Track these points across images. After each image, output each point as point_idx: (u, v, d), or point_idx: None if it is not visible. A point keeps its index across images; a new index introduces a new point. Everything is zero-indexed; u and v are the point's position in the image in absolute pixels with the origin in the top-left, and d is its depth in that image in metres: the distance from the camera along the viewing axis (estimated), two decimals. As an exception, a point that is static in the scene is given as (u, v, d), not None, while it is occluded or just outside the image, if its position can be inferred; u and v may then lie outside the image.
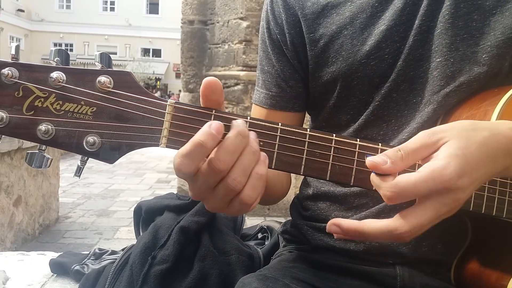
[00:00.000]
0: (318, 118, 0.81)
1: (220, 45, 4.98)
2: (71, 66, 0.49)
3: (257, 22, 4.60)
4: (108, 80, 0.48)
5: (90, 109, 0.48)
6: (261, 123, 0.53)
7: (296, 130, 0.53)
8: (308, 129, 0.54)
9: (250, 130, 0.52)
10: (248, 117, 0.53)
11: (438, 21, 0.68)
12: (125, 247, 0.93)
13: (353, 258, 0.73)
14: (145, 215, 1.02)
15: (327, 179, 0.54)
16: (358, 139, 0.54)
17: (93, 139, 0.48)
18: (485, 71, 0.66)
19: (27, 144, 3.27)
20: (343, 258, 0.74)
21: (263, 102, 0.82)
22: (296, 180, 2.71)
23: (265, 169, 0.51)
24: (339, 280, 0.73)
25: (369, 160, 0.49)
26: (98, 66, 0.50)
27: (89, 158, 0.50)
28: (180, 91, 5.97)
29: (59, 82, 0.47)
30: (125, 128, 0.49)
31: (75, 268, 1.09)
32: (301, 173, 0.53)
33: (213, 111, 0.51)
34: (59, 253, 1.26)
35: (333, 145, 0.53)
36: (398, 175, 0.49)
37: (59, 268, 1.16)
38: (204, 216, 0.88)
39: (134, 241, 0.93)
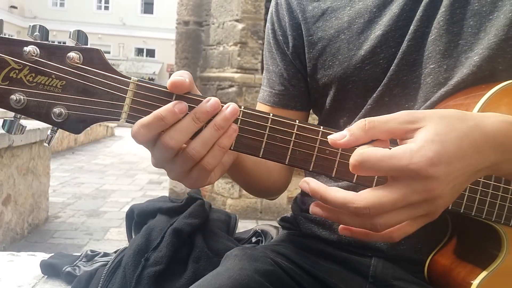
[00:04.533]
0: (320, 118, 0.84)
1: (215, 46, 4.98)
2: (45, 42, 0.52)
3: (252, 25, 4.60)
4: (78, 56, 0.51)
5: (60, 83, 0.52)
6: (223, 104, 0.54)
7: (259, 114, 0.54)
8: (271, 114, 0.54)
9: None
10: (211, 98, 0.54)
11: (433, 27, 0.68)
12: (118, 250, 0.92)
13: (336, 246, 0.76)
14: (137, 218, 1.01)
15: (286, 163, 0.55)
16: (321, 126, 0.54)
17: (60, 110, 0.52)
18: (473, 72, 0.65)
19: (17, 139, 3.24)
20: (326, 245, 0.77)
21: (267, 100, 0.85)
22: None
23: (229, 142, 0.53)
24: (318, 262, 0.76)
25: (329, 137, 0.49)
26: (72, 42, 0.53)
27: (59, 129, 0.54)
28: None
29: (32, 55, 0.50)
30: (90, 102, 0.52)
31: (67, 269, 1.08)
32: (260, 156, 0.54)
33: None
34: (50, 254, 1.24)
35: (295, 131, 0.54)
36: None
37: (50, 270, 1.14)
38: (197, 218, 0.88)
39: (125, 243, 0.92)
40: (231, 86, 4.68)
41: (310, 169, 0.55)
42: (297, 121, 0.54)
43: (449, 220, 0.66)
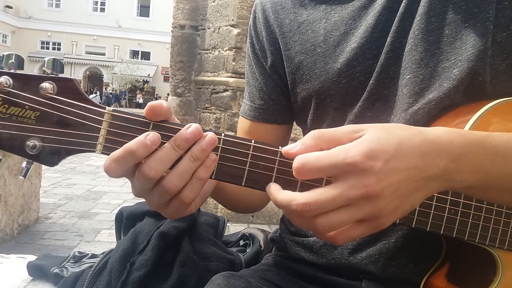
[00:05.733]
0: (304, 132, 0.83)
1: (210, 51, 4.99)
2: (20, 71, 0.51)
3: (248, 30, 4.62)
4: (51, 86, 0.50)
5: (33, 114, 0.50)
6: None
7: (240, 141, 0.53)
8: (253, 141, 0.53)
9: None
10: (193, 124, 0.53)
11: (409, 37, 0.66)
12: (105, 251, 0.92)
13: (326, 270, 0.75)
14: (126, 221, 1.01)
15: None
16: None
17: (34, 143, 0.50)
18: (455, 86, 0.63)
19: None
20: (316, 270, 0.76)
21: (247, 114, 0.84)
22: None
23: (208, 174, 0.52)
24: (308, 287, 0.74)
25: (283, 149, 0.50)
26: (48, 72, 0.52)
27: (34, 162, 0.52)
28: (168, 94, 5.94)
29: (5, 86, 0.49)
30: (64, 134, 0.51)
31: (54, 271, 1.08)
32: (243, 184, 0.53)
33: (152, 121, 0.52)
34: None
35: (278, 157, 0.53)
36: None
37: (37, 271, 1.14)
38: (184, 221, 0.89)
39: (115, 245, 0.92)
40: (225, 90, 4.69)
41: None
42: (280, 147, 0.52)
43: (443, 241, 0.65)
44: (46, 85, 0.50)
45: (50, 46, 30.92)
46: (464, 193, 0.57)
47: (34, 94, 0.50)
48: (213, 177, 0.53)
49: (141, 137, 0.50)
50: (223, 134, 0.53)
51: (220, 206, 4.49)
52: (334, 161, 0.46)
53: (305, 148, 0.48)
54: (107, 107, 0.52)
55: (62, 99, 0.51)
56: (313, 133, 0.49)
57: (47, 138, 0.51)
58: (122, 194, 5.68)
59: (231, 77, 4.65)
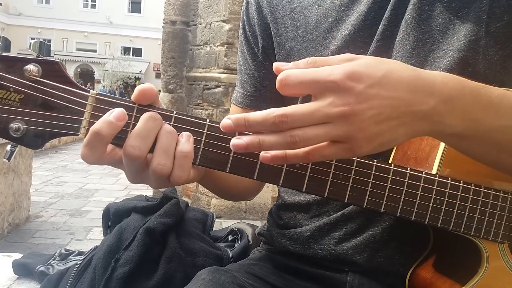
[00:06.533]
0: None
1: (202, 46, 4.96)
2: (6, 53, 0.51)
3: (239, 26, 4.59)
4: (36, 68, 0.50)
5: (18, 96, 0.50)
6: (188, 118, 0.53)
7: None
8: None
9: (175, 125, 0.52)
10: (174, 112, 0.53)
11: (401, 26, 0.65)
12: (91, 248, 0.91)
13: (311, 263, 0.74)
14: (113, 217, 1.00)
15: (255, 178, 0.54)
16: None
17: (18, 125, 0.50)
18: None
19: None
20: (302, 263, 0.75)
21: (239, 102, 0.84)
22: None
23: (189, 146, 0.52)
24: (293, 280, 0.74)
25: (275, 64, 0.49)
26: (33, 54, 0.51)
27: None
28: (160, 91, 5.91)
29: None
30: (49, 117, 0.51)
31: (40, 269, 1.06)
32: (227, 171, 0.53)
33: (136, 104, 0.52)
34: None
35: None
36: None
37: (22, 269, 1.13)
38: (171, 217, 0.87)
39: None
40: (217, 86, 4.67)
41: (280, 184, 0.54)
42: None
43: (431, 232, 0.65)
44: (31, 67, 0.49)
45: (41, 43, 30.59)
46: (449, 143, 0.55)
47: (19, 76, 0.50)
48: (197, 163, 0.53)
49: (105, 116, 0.50)
50: (208, 120, 0.53)
51: (212, 202, 4.48)
52: (317, 77, 0.45)
53: (295, 65, 0.48)
54: (91, 91, 0.52)
55: (46, 82, 0.50)
56: (307, 59, 0.48)
57: (31, 121, 0.50)
58: (114, 192, 5.64)
59: (223, 73, 4.63)
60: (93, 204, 4.96)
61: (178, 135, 0.52)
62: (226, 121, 0.47)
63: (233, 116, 0.47)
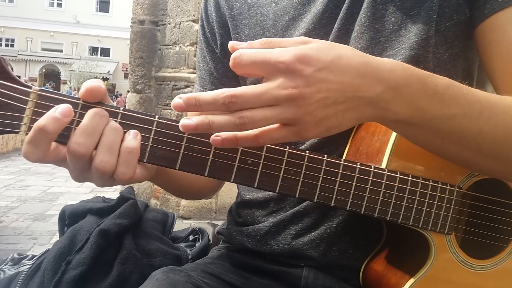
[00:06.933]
0: None
1: (171, 46, 4.91)
2: None
3: (208, 25, 4.57)
4: None
5: None
6: (135, 115, 0.52)
7: (176, 124, 0.52)
8: None
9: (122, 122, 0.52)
10: (121, 108, 0.52)
11: (356, 25, 0.66)
12: (42, 251, 0.87)
13: (268, 259, 0.74)
14: (68, 219, 0.97)
15: (206, 175, 0.53)
16: None
17: None
18: None
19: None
20: (259, 260, 0.75)
21: None
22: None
23: (135, 143, 0.51)
24: (251, 278, 0.74)
25: (230, 42, 0.50)
26: None
27: None
28: (128, 91, 5.82)
29: None
30: None
31: (-9, 274, 1.01)
32: (177, 168, 0.52)
33: (81, 100, 0.51)
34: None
35: None
36: None
37: (-28, 275, 1.07)
38: (127, 218, 0.85)
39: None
40: (187, 86, 4.63)
41: (231, 180, 0.53)
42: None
43: (384, 226, 0.66)
44: None
45: (3, 42, 29.51)
46: (396, 130, 0.56)
47: None
48: (145, 160, 0.52)
49: (50, 112, 0.49)
50: (156, 117, 0.52)
51: (182, 204, 4.43)
52: (268, 58, 0.45)
53: (250, 45, 0.48)
54: (33, 87, 0.50)
55: None
56: (263, 39, 0.48)
57: None
58: (80, 195, 5.49)
59: (193, 73, 4.59)
60: (57, 208, 4.81)
61: (125, 132, 0.51)
62: (177, 100, 0.46)
63: (184, 95, 0.46)
